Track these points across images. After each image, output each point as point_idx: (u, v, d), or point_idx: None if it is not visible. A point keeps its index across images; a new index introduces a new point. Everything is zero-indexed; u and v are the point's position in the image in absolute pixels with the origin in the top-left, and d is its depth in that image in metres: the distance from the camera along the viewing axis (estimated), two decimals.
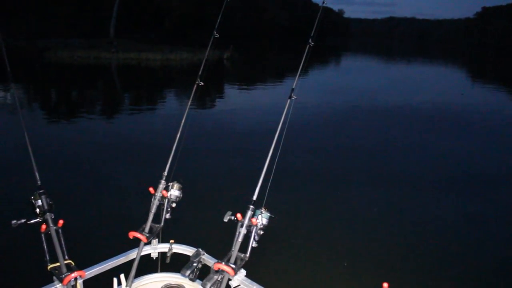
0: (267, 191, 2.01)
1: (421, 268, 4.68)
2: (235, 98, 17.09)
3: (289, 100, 2.20)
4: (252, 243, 1.95)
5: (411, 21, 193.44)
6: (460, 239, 5.54)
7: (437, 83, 25.95)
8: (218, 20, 2.62)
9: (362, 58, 52.32)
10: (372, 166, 8.38)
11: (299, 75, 2.27)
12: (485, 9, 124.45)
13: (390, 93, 20.08)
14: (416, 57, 56.09)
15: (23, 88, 16.51)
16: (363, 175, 7.76)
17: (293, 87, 2.24)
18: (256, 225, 1.95)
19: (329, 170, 8.04)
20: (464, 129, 12.67)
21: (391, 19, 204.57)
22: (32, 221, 1.91)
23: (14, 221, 1.87)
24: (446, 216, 6.21)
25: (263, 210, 1.99)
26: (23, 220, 1.89)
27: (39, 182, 1.97)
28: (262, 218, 1.97)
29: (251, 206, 1.99)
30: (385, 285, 1.65)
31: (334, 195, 6.82)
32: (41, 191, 1.95)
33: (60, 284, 1.88)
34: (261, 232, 1.97)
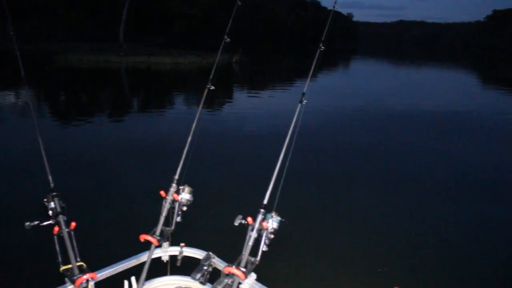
0: (277, 195, 2.00)
1: (432, 272, 4.63)
2: (244, 102, 17.11)
3: (299, 105, 2.19)
4: (263, 247, 1.94)
5: (421, 24, 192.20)
6: (473, 243, 5.47)
7: (448, 87, 25.74)
8: (229, 25, 2.62)
9: (371, 62, 52.11)
10: (382, 170, 8.32)
11: (310, 79, 2.26)
12: (496, 12, 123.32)
13: (400, 97, 19.95)
14: (426, 61, 55.70)
15: (35, 91, 16.71)
16: (373, 180, 7.71)
17: (304, 91, 2.22)
18: (267, 229, 1.95)
19: (340, 174, 8.00)
20: (474, 133, 12.54)
21: (400, 22, 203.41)
22: (45, 223, 1.93)
23: (27, 223, 1.90)
24: (459, 220, 6.14)
25: (273, 214, 1.98)
26: (36, 222, 1.92)
27: (52, 184, 2.00)
28: (272, 222, 1.96)
29: (262, 210, 1.98)
30: None
31: (345, 199, 6.78)
32: (54, 193, 1.98)
33: (72, 286, 1.90)
34: (272, 236, 1.96)
